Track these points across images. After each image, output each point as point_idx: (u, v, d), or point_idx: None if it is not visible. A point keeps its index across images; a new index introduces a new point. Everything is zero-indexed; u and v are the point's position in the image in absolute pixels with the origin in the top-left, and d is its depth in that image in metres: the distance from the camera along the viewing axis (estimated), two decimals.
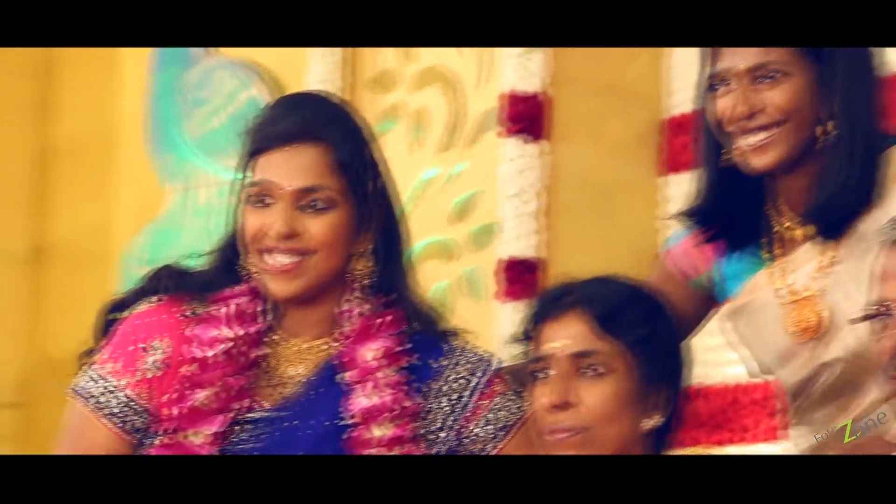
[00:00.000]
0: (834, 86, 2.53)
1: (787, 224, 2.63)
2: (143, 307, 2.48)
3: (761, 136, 2.55)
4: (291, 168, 2.39)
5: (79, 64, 5.37)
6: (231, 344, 2.40)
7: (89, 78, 5.43)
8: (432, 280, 4.48)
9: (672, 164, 4.56)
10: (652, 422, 2.38)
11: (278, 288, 2.40)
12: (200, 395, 2.38)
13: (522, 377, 2.52)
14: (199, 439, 2.37)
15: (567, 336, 2.37)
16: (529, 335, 2.44)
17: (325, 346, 2.45)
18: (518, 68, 4.36)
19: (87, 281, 5.29)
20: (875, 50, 2.59)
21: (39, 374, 5.34)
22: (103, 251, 5.40)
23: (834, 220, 2.56)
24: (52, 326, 5.42)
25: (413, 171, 4.61)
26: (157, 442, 2.40)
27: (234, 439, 2.40)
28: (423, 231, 4.54)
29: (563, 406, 2.35)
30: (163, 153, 5.29)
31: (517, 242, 4.36)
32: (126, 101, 5.40)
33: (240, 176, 2.45)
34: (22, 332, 5.50)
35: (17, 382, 5.48)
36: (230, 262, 2.47)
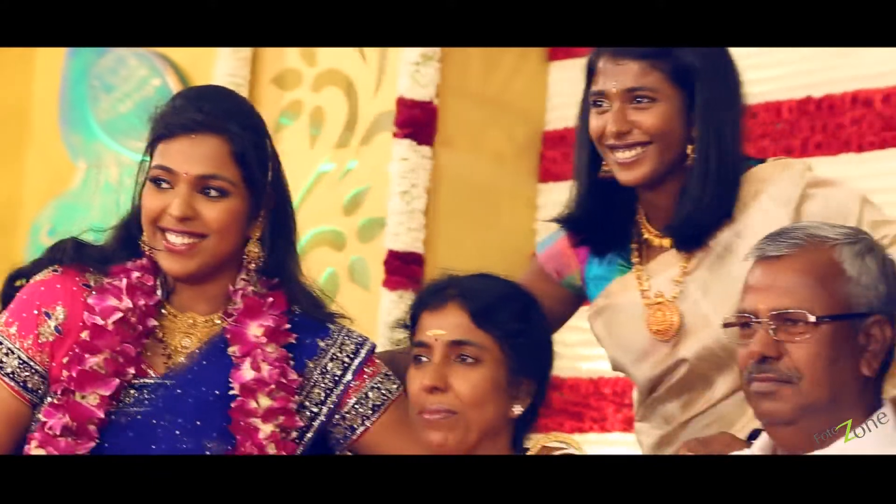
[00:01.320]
0: (699, 112, 2.57)
1: (651, 234, 2.67)
2: (44, 275, 2.46)
3: (630, 153, 2.58)
4: (192, 155, 2.38)
5: None
6: (125, 314, 2.40)
7: (5, 58, 5.34)
8: (322, 266, 4.48)
9: (548, 174, 4.60)
10: (518, 409, 2.40)
11: (172, 266, 2.40)
12: (95, 360, 2.37)
13: (397, 361, 2.54)
14: (92, 400, 2.36)
15: (446, 325, 2.38)
16: (411, 322, 2.45)
17: (216, 322, 2.45)
18: (412, 77, 4.37)
19: None
20: (738, 80, 2.64)
21: None
22: (13, 222, 5.32)
23: (691, 233, 2.60)
24: None
25: (310, 164, 4.60)
26: (47, 401, 2.38)
27: (124, 402, 2.39)
28: (315, 220, 4.53)
29: (437, 389, 2.36)
30: (73, 133, 5.23)
31: (403, 237, 4.37)
32: (40, 82, 5.32)
33: (144, 159, 2.45)
34: None
35: None
36: (130, 238, 2.46)
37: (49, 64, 5.27)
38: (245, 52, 4.65)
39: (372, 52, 4.52)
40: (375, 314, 4.31)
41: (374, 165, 4.48)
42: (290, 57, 4.66)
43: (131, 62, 5.05)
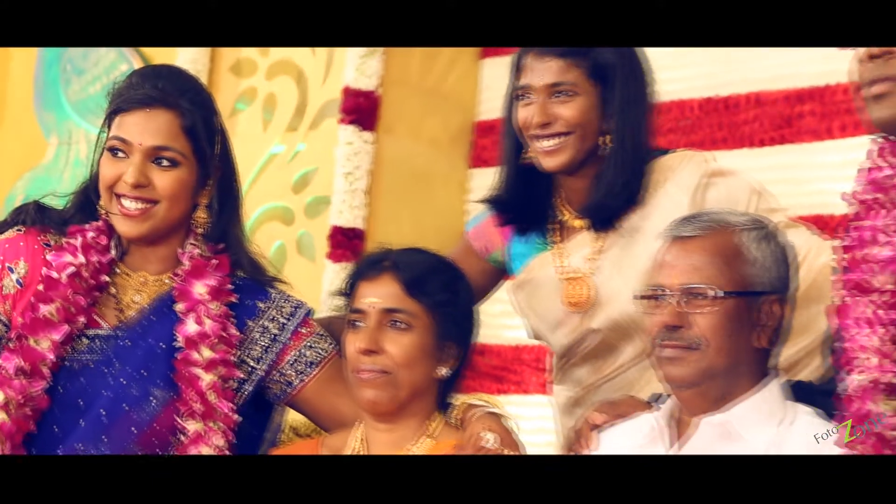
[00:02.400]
0: (613, 107, 2.57)
1: (568, 216, 2.67)
2: (9, 234, 2.45)
3: (552, 142, 2.58)
4: (146, 128, 2.38)
5: None
6: (78, 268, 2.39)
7: None
8: (272, 239, 4.45)
9: (479, 160, 4.60)
10: (444, 371, 2.39)
11: (126, 229, 2.40)
12: (47, 308, 2.36)
13: (334, 326, 2.52)
14: (44, 345, 2.35)
15: (380, 294, 2.37)
16: (348, 291, 2.43)
17: (166, 281, 2.44)
18: (357, 68, 4.35)
19: None
20: (649, 79, 2.63)
21: None
22: None
23: (604, 216, 2.61)
24: None
25: (262, 146, 4.57)
26: (5, 346, 2.37)
27: (78, 350, 2.38)
28: (267, 197, 4.51)
29: (371, 352, 2.35)
30: (46, 111, 5.18)
31: (346, 214, 4.35)
32: (16, 65, 5.25)
33: (102, 131, 2.44)
34: None
35: None
36: (88, 202, 2.46)
37: (24, 48, 5.20)
38: None
39: None
40: (320, 284, 4.30)
41: (321, 148, 4.45)
42: (244, 47, 4.63)
43: (101, 48, 5.00)
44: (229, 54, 4.67)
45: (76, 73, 5.09)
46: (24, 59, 5.21)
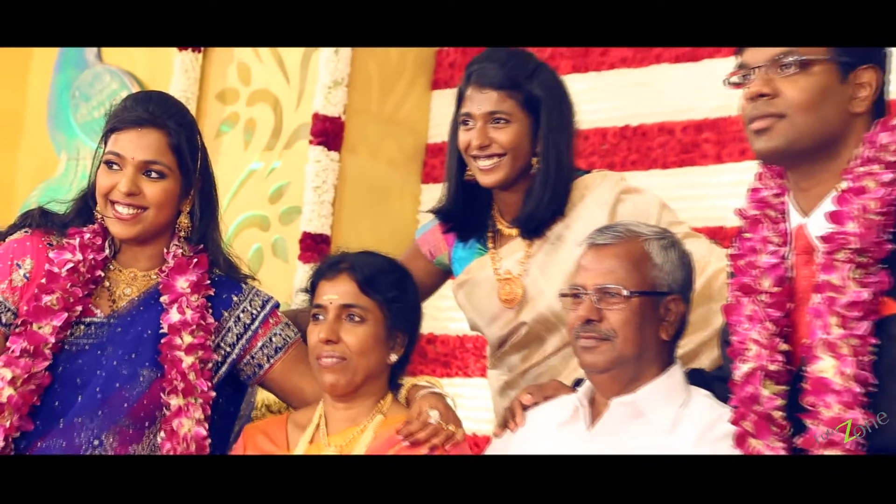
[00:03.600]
0: (542, 133, 2.57)
1: (503, 225, 2.66)
2: (17, 235, 2.44)
3: (489, 162, 2.58)
4: (138, 144, 2.37)
5: None
6: (76, 264, 2.38)
7: (4, 71, 5.20)
8: (250, 243, 4.41)
9: (429, 177, 4.58)
10: (394, 357, 2.37)
11: (119, 231, 2.39)
12: (48, 298, 2.35)
13: (300, 318, 2.50)
14: (46, 330, 2.34)
15: (338, 292, 2.35)
16: (311, 289, 2.41)
17: (153, 277, 2.44)
18: (325, 97, 4.32)
19: None
20: (572, 110, 2.63)
21: None
22: (8, 201, 5.20)
23: (533, 226, 2.61)
24: None
25: (243, 163, 4.53)
26: (13, 331, 2.35)
27: (76, 335, 2.37)
28: (246, 207, 4.47)
29: (330, 341, 2.32)
30: (58, 131, 5.12)
31: (315, 222, 4.32)
32: (33, 91, 5.20)
33: (99, 147, 2.43)
34: None
35: None
36: (87, 208, 2.45)
37: (40, 76, 5.17)
38: (195, 73, 4.59)
39: (294, 77, 4.48)
40: (292, 282, 4.26)
41: (293, 165, 4.43)
42: (230, 78, 4.60)
43: (105, 78, 4.96)
44: (215, 83, 4.63)
45: (83, 99, 5.04)
46: (39, 86, 5.17)
